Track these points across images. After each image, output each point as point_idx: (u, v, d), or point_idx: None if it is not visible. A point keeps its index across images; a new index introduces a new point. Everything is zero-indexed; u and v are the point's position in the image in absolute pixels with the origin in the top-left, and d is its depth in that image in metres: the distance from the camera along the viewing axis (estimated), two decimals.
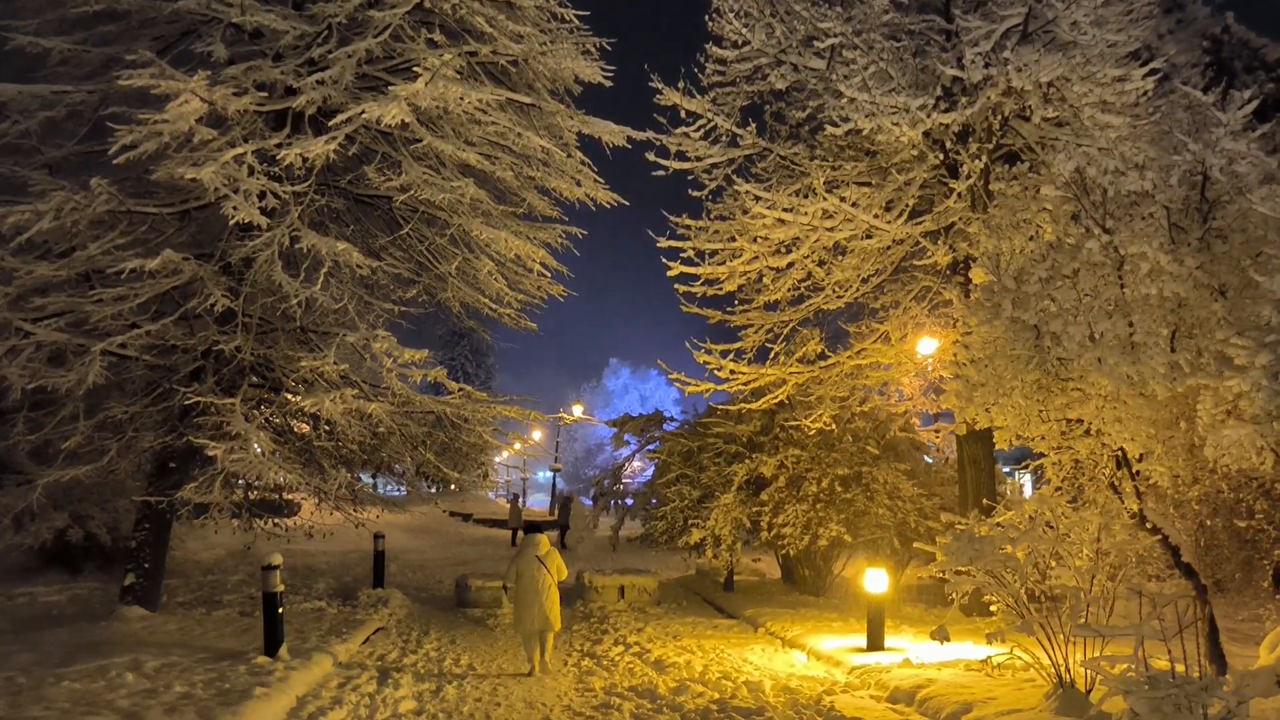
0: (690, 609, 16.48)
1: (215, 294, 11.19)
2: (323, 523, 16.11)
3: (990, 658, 8.75)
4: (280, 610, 10.21)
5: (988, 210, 11.36)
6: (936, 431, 18.62)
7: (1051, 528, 8.34)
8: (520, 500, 27.65)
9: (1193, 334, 8.36)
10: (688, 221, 14.16)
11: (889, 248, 13.23)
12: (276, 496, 15.28)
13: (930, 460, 18.53)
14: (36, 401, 12.31)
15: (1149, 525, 8.95)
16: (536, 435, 64.29)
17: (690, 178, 14.03)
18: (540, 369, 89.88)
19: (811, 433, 14.60)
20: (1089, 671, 7.75)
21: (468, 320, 15.22)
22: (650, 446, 18.66)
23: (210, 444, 10.59)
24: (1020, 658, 8.14)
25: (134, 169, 12.86)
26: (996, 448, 9.67)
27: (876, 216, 11.56)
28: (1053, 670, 7.90)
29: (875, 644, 11.29)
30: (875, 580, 11.34)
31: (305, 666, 9.76)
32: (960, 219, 12.14)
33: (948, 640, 7.48)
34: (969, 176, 11.44)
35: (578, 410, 43.62)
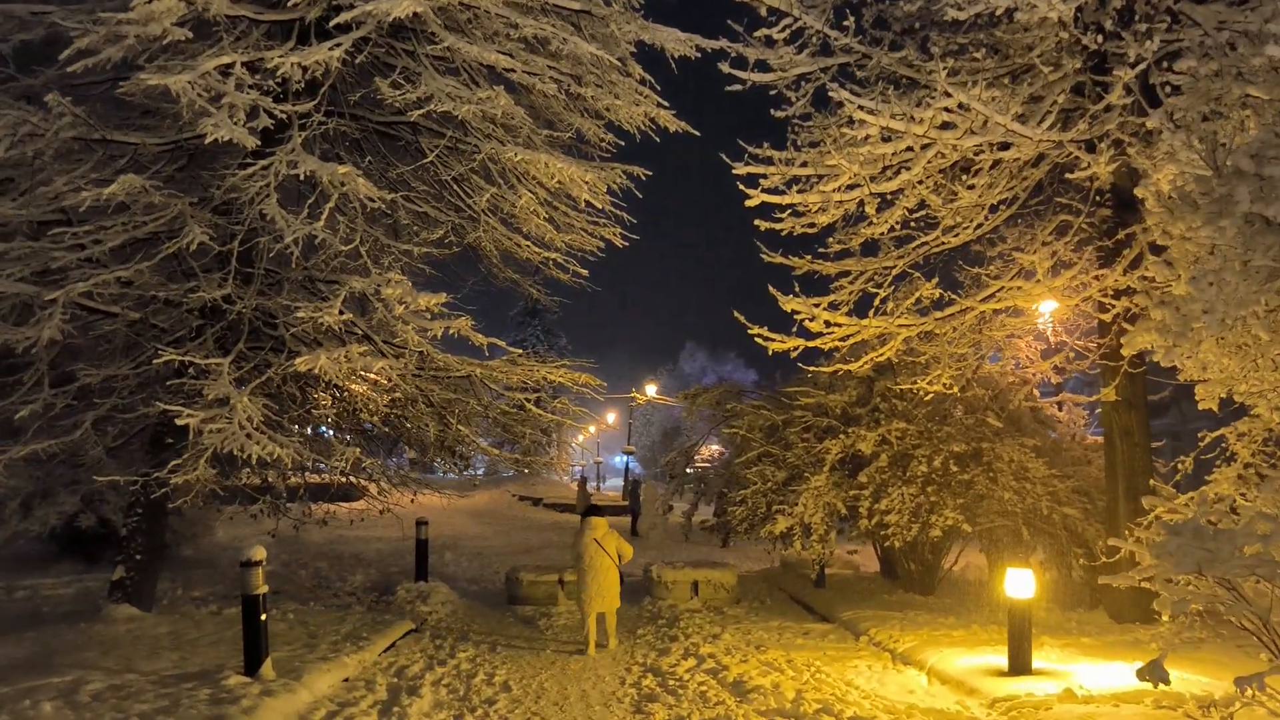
0: (775, 609, 14.14)
1: (194, 231, 9.20)
2: (354, 509, 14.09)
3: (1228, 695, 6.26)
4: (264, 616, 8.17)
5: (1155, 111, 8.75)
6: (1059, 404, 15.94)
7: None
8: (589, 483, 25.30)
9: None
10: (769, 152, 11.72)
11: (1022, 169, 10.67)
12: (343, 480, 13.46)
13: (1054, 435, 15.83)
14: (7, 366, 10.57)
15: None
16: (610, 418, 62.58)
17: (773, 92, 11.63)
18: (614, 352, 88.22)
19: (928, 398, 12.07)
20: None
21: (507, 271, 13.01)
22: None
23: (185, 411, 8.61)
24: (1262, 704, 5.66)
25: (122, 98, 11.08)
26: (1201, 407, 7.16)
27: (1016, 120, 9.03)
28: None
29: (1020, 665, 8.79)
30: (1019, 583, 8.84)
31: (289, 690, 7.71)
32: (1118, 126, 9.53)
33: (1166, 682, 5.10)
34: (1138, 62, 8.83)
35: (651, 390, 41.36)
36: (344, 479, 12.78)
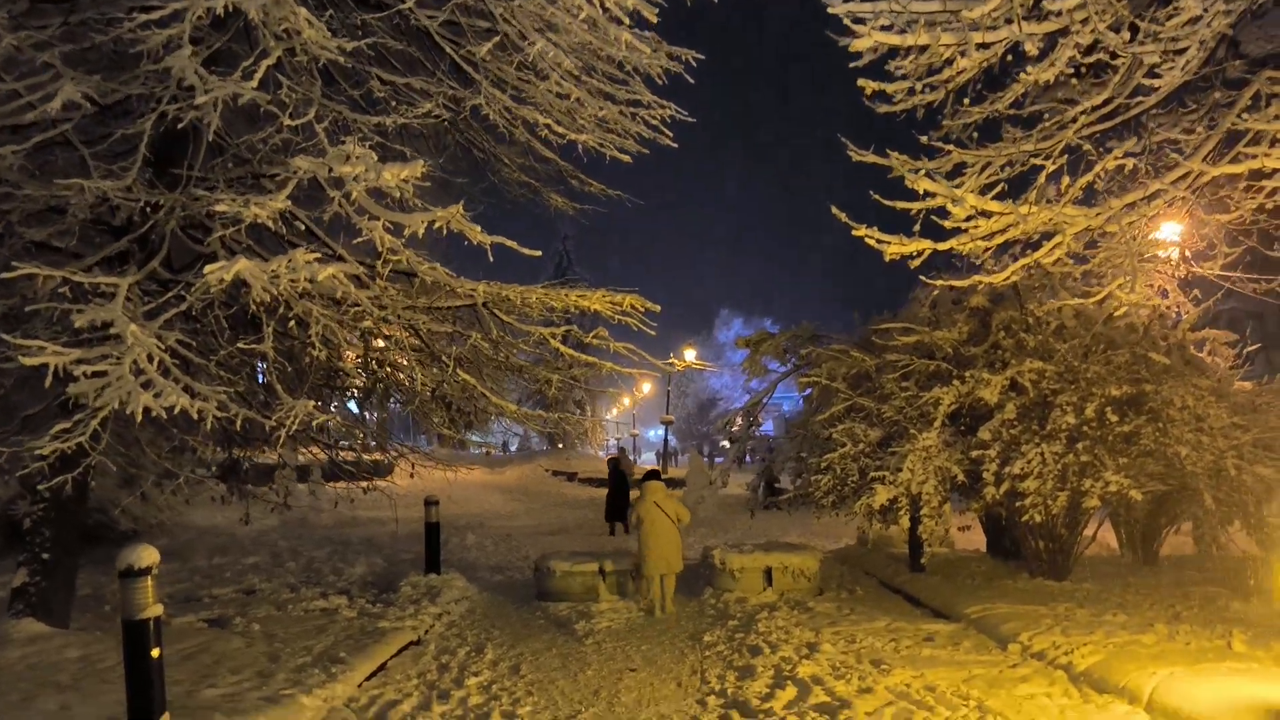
0: (871, 602, 11.20)
1: (66, 88, 6.37)
2: (336, 488, 11.27)
3: None
4: (156, 652, 5.38)
5: None
6: (1200, 343, 12.83)
7: None
8: (621, 459, 22.27)
9: None
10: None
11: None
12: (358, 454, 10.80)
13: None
14: None
15: None
16: (646, 387, 59.78)
17: None
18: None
19: (1119, 317, 8.99)
20: None
21: (520, 175, 10.01)
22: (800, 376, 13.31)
23: (51, 347, 5.81)
24: None
25: None
26: None
27: None
28: None
29: None
30: None
31: None
32: None
33: None
34: None
35: (690, 355, 38.39)
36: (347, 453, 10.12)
